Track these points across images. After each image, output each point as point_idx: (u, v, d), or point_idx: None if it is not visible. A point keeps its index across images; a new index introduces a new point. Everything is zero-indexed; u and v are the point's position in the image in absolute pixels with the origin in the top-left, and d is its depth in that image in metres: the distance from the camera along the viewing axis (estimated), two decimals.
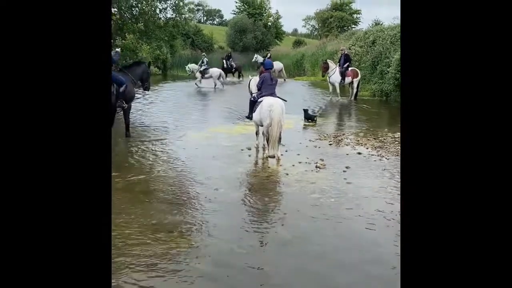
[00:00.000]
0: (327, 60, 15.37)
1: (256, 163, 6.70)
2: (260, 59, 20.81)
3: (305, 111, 10.20)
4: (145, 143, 7.73)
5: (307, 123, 9.83)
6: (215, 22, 61.61)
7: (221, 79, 17.58)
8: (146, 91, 9.65)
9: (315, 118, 10.00)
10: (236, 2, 36.38)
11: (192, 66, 18.34)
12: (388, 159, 6.73)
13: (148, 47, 16.26)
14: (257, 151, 7.24)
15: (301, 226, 4.19)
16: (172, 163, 6.45)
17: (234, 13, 36.93)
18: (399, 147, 7.45)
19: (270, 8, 36.30)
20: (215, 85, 17.20)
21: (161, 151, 7.15)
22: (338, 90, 14.15)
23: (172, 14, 14.15)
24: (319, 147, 7.54)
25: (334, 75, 14.10)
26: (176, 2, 13.62)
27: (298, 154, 6.92)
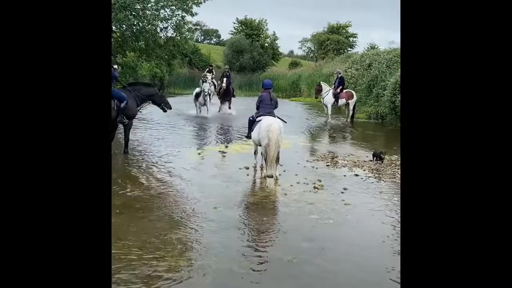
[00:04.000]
0: (321, 82, 15.59)
1: (254, 182, 6.71)
2: None
3: (374, 152, 8.51)
4: (143, 160, 7.73)
5: (375, 162, 8.19)
6: (212, 42, 62.38)
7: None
8: (164, 111, 9.07)
9: (383, 157, 8.31)
10: (234, 23, 36.99)
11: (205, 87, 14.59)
12: (385, 182, 6.77)
13: (147, 65, 16.40)
14: (255, 170, 7.26)
15: (300, 247, 4.19)
16: (170, 181, 6.44)
17: (232, 33, 37.49)
18: (396, 169, 7.51)
19: (267, 29, 36.91)
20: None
21: (159, 169, 7.15)
22: (329, 112, 14.32)
23: (172, 33, 14.35)
24: (317, 168, 7.58)
25: (328, 96, 14.29)
26: (177, 21, 13.83)
27: (296, 175, 6.95)
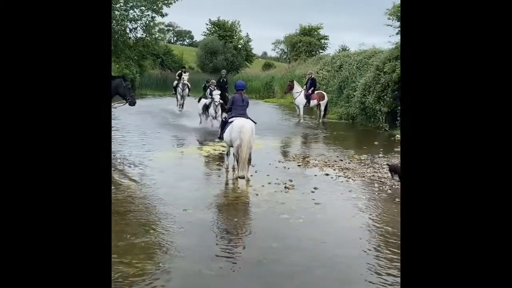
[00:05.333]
0: (293, 80, 15.73)
1: (226, 183, 6.68)
2: None
3: (391, 167, 6.90)
4: (113, 162, 7.56)
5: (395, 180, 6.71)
6: (185, 43, 61.87)
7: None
8: (131, 106, 8.87)
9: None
10: (207, 24, 36.78)
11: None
12: (354, 181, 6.89)
13: (116, 66, 16.10)
14: (227, 171, 7.23)
15: (271, 247, 4.20)
16: (140, 184, 6.33)
17: (204, 35, 37.27)
18: (365, 169, 7.66)
19: (240, 31, 36.89)
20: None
21: (128, 172, 7.01)
22: (301, 113, 14.47)
23: (142, 34, 14.14)
24: (288, 168, 7.63)
25: (299, 97, 14.43)
26: (147, 22, 13.64)
27: (268, 175, 6.97)
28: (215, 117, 11.68)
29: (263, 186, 6.34)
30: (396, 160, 8.39)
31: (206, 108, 12.05)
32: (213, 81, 13.16)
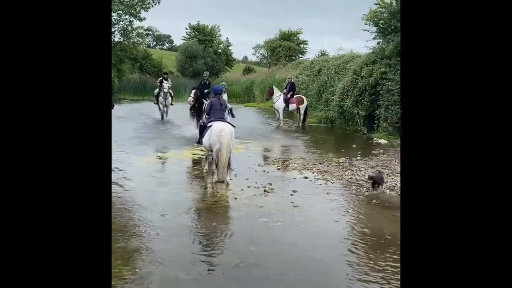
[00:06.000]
0: (273, 86, 15.85)
1: (205, 188, 6.66)
2: None
3: (373, 178, 6.71)
4: None
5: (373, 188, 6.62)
6: (165, 47, 61.45)
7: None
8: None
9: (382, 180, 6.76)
10: (187, 28, 36.62)
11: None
12: (333, 183, 6.97)
13: None
14: (207, 176, 7.21)
15: (249, 251, 4.21)
16: (117, 189, 6.24)
17: (184, 39, 37.08)
18: (343, 171, 7.76)
19: (220, 35, 36.83)
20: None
21: None
22: (281, 117, 14.58)
23: (120, 38, 13.99)
24: (268, 172, 7.66)
25: (279, 101, 14.55)
26: (125, 26, 13.52)
27: (247, 179, 6.99)
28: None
29: (242, 190, 6.35)
30: (373, 163, 8.54)
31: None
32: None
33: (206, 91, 11.79)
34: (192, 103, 11.53)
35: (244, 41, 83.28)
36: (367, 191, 6.50)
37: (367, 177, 6.98)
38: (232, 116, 9.65)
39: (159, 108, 14.36)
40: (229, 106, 10.21)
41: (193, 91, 11.72)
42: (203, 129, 7.41)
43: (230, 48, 37.40)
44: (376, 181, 6.61)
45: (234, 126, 7.00)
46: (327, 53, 27.83)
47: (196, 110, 11.56)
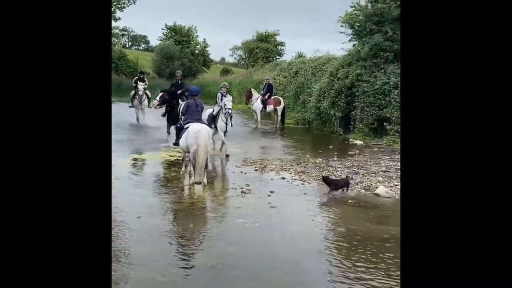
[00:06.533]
0: (251, 88, 15.89)
1: (182, 189, 6.61)
2: None
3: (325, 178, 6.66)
4: None
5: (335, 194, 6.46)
6: (141, 48, 60.64)
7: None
8: None
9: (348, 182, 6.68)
10: (163, 29, 36.23)
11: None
12: (309, 183, 7.04)
13: None
14: (184, 177, 7.16)
15: (226, 252, 4.20)
16: None
17: (160, 40, 36.69)
18: (320, 171, 7.84)
19: (197, 36, 36.65)
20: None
21: None
22: (259, 118, 14.64)
23: None
24: (245, 173, 7.66)
25: (256, 103, 14.62)
26: None
27: (225, 180, 6.97)
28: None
29: (219, 191, 6.33)
30: (349, 163, 8.67)
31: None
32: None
33: (179, 92, 11.02)
34: (157, 107, 10.90)
35: (221, 42, 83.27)
36: (342, 190, 6.57)
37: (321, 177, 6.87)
38: (231, 125, 9.04)
39: (136, 111, 13.82)
40: (230, 111, 8.83)
41: (160, 94, 10.95)
42: (179, 130, 7.35)
43: (207, 49, 37.24)
44: (331, 183, 6.46)
45: (211, 127, 6.98)
46: (304, 55, 28.13)
47: (168, 113, 10.96)
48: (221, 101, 9.25)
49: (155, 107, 11.12)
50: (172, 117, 10.56)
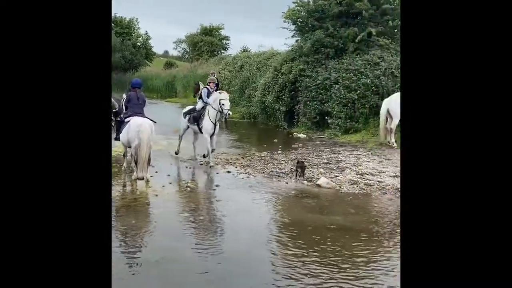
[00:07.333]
0: (199, 82, 15.71)
1: (124, 185, 6.39)
2: None
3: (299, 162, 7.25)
4: None
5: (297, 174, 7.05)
6: None
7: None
8: None
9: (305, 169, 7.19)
10: None
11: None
12: (255, 176, 7.11)
13: None
14: (125, 173, 6.91)
15: (170, 246, 4.13)
16: None
17: None
18: (264, 165, 7.94)
19: (139, 28, 35.40)
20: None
21: None
22: None
23: None
24: (190, 168, 7.57)
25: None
26: None
27: (169, 175, 6.84)
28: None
29: (163, 186, 6.20)
30: (293, 156, 8.86)
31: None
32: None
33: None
34: None
35: (164, 35, 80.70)
36: (286, 183, 6.71)
37: (296, 162, 7.42)
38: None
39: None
40: (230, 113, 7.50)
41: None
42: (120, 124, 7.07)
43: (149, 41, 36.13)
44: (302, 168, 7.07)
45: (155, 122, 6.78)
46: (249, 50, 28.23)
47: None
48: (208, 98, 8.02)
49: None
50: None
